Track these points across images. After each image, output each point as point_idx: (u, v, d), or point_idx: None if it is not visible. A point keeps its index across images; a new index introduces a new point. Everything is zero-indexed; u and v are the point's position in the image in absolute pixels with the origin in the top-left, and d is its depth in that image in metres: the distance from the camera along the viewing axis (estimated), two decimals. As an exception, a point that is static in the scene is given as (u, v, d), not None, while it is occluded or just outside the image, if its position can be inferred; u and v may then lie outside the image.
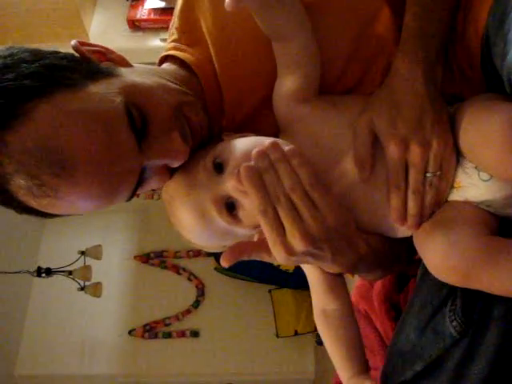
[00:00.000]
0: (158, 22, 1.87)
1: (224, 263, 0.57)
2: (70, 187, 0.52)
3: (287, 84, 0.62)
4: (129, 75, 0.60)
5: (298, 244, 0.54)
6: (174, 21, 0.70)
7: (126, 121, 0.54)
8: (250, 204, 0.56)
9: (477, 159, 0.56)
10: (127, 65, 0.65)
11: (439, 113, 0.58)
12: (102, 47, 0.65)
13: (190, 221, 0.60)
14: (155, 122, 0.57)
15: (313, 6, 0.62)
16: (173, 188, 0.62)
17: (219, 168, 0.58)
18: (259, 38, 0.62)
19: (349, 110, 0.62)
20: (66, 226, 3.04)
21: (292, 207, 0.54)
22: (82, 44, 0.62)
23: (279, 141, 0.57)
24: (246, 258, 0.58)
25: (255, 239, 0.61)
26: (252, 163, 0.54)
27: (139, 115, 0.55)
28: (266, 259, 0.59)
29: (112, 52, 0.65)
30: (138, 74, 0.62)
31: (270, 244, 0.55)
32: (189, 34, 0.68)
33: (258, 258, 0.59)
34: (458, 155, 0.58)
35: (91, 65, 0.59)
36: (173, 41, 0.69)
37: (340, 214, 0.57)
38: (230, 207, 0.58)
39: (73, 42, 0.61)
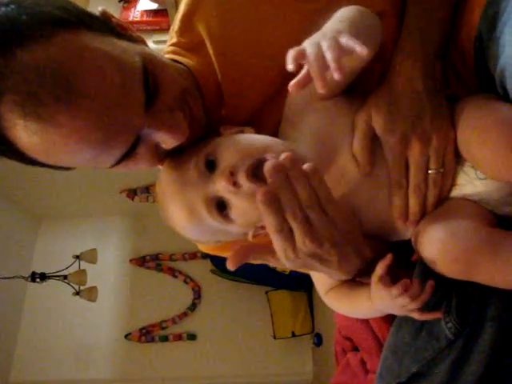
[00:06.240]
0: (151, 23, 1.86)
1: (230, 266, 0.57)
2: (67, 117, 0.49)
3: None
4: (146, 49, 0.61)
5: (307, 246, 0.53)
6: (175, 24, 0.69)
7: (141, 78, 0.54)
8: (241, 203, 0.55)
9: (473, 158, 0.56)
10: (145, 45, 0.65)
11: (439, 109, 0.58)
12: (125, 22, 0.65)
13: (181, 218, 0.59)
14: (164, 96, 0.57)
15: (318, 12, 0.62)
16: (165, 183, 0.60)
17: (211, 166, 0.57)
18: (265, 42, 0.63)
19: (355, 109, 0.62)
20: (60, 230, 3.03)
21: (306, 219, 0.53)
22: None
23: (295, 154, 0.54)
24: (251, 261, 0.58)
25: (249, 237, 0.60)
26: (268, 182, 0.51)
27: (153, 83, 0.55)
28: (271, 262, 0.58)
29: (133, 30, 0.65)
30: (153, 51, 0.63)
31: (279, 250, 0.54)
32: (188, 38, 0.67)
33: (263, 261, 0.59)
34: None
35: (116, 27, 0.60)
36: (171, 44, 0.69)
37: (348, 219, 0.57)
38: (220, 207, 0.57)
39: (100, 9, 0.61)
